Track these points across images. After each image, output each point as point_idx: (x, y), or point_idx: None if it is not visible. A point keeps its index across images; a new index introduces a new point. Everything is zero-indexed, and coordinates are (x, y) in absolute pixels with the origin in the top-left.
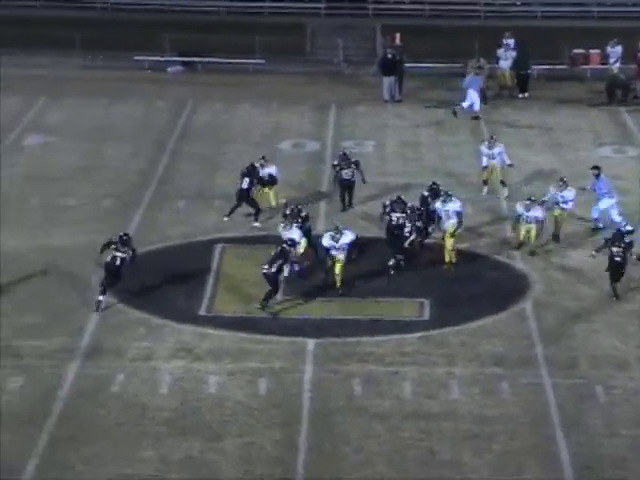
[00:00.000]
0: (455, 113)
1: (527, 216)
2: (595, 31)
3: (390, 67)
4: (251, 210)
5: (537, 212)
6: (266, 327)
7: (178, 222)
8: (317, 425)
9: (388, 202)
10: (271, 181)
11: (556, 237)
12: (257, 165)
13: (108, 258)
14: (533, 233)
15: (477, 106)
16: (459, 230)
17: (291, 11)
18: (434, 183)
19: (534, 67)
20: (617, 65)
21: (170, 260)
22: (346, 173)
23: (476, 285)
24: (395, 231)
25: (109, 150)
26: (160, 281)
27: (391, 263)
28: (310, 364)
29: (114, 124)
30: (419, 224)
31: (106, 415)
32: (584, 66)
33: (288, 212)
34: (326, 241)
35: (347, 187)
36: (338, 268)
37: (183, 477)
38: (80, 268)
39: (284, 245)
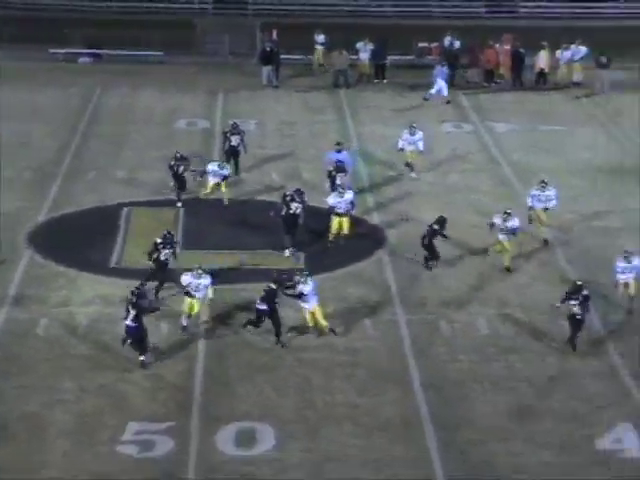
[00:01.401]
0: (426, 99)
1: (505, 227)
2: (435, 28)
3: (268, 58)
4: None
5: (514, 223)
6: (168, 277)
7: (90, 190)
8: (212, 359)
9: (289, 192)
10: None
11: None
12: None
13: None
14: (507, 245)
15: (445, 92)
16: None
17: (184, 11)
18: (336, 165)
19: (389, 57)
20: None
21: (84, 222)
22: (235, 139)
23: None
24: (292, 219)
25: (30, 130)
26: (76, 240)
27: (287, 253)
28: (205, 307)
29: (35, 108)
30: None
31: (33, 353)
32: (428, 56)
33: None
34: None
35: (233, 153)
36: None
37: (99, 402)
38: (8, 230)
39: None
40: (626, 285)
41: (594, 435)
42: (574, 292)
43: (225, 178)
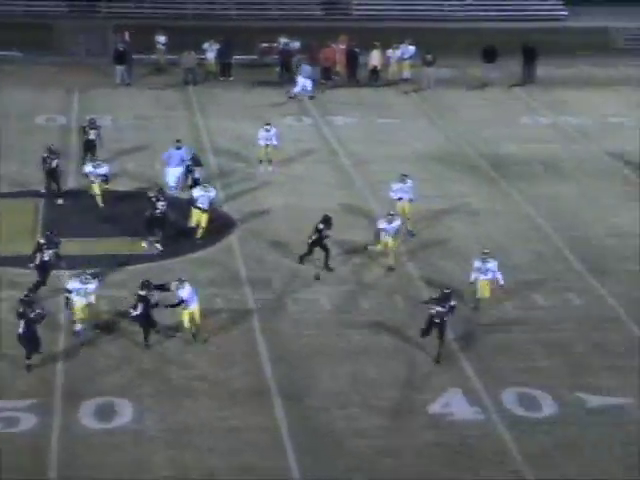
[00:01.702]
0: (292, 97)
1: (389, 228)
2: (276, 29)
3: (121, 58)
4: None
5: (397, 222)
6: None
7: None
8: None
9: (153, 193)
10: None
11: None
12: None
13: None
14: (391, 243)
15: (309, 88)
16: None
17: (41, 13)
18: (193, 156)
19: (234, 57)
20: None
21: None
22: (92, 134)
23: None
24: (160, 218)
25: None
26: None
27: (159, 246)
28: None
29: None
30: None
31: None
32: (269, 56)
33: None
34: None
35: (90, 147)
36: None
37: None
38: None
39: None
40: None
41: (426, 400)
42: (441, 299)
43: (105, 178)
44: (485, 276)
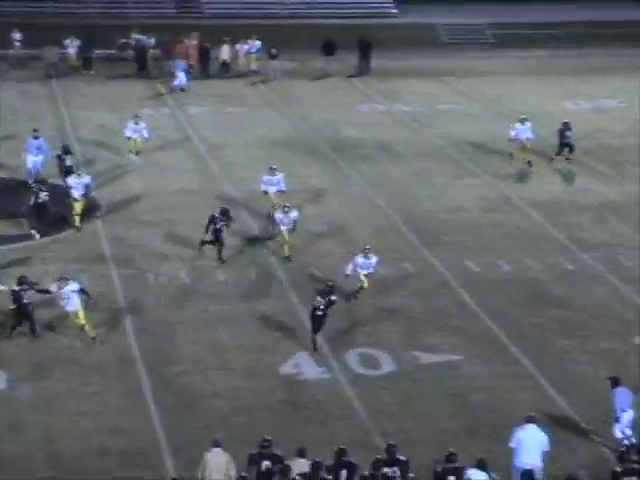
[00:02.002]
0: (172, 90)
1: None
2: (133, 26)
3: None
4: None
5: (295, 215)
6: None
7: None
8: None
9: (34, 184)
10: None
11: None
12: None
13: None
14: (287, 237)
15: (184, 82)
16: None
17: None
18: (63, 145)
19: (95, 52)
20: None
21: None
22: None
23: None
24: (41, 208)
25: None
26: None
27: (34, 233)
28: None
29: None
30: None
31: None
32: (126, 51)
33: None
34: None
35: None
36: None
37: None
38: None
39: None
40: (361, 279)
41: (277, 362)
42: (325, 292)
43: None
44: (366, 270)
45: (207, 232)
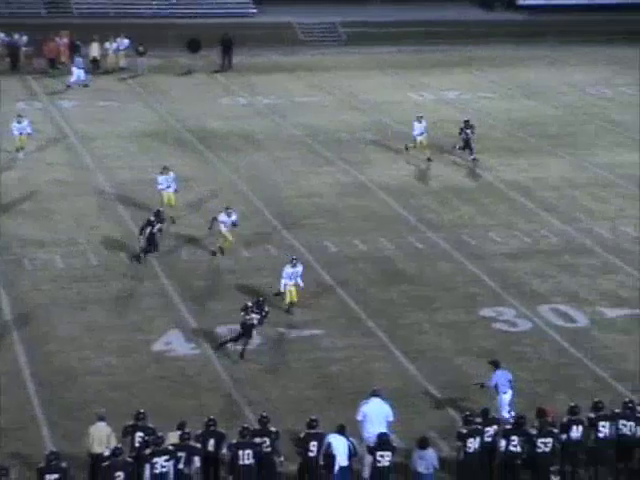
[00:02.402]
0: (69, 86)
1: (227, 221)
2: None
3: None
4: None
5: (235, 216)
6: None
7: None
8: None
9: None
10: None
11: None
12: None
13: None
14: (229, 237)
15: (82, 77)
16: None
17: None
18: None
19: None
20: None
21: None
22: None
23: None
24: None
25: None
26: None
27: None
28: None
29: None
30: None
31: None
32: None
33: None
34: None
35: None
36: None
37: None
38: None
39: None
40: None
41: (150, 340)
42: (256, 307)
43: None
44: (292, 281)
45: (141, 235)
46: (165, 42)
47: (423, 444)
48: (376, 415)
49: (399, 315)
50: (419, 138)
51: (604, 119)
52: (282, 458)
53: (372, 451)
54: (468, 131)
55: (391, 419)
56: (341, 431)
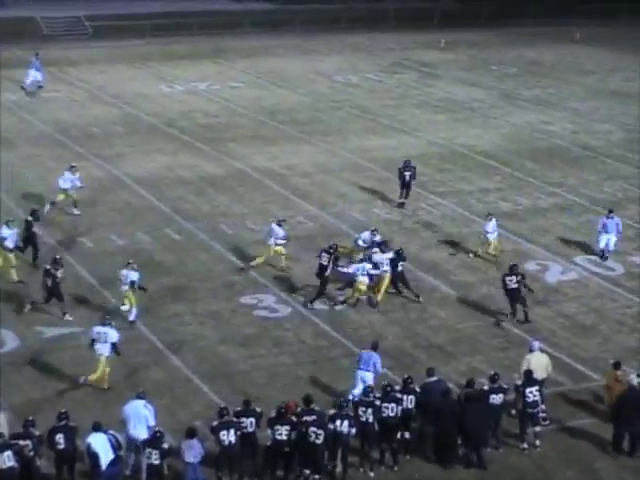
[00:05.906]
0: (23, 88)
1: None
2: None
3: None
4: None
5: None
6: None
7: None
8: None
9: None
10: None
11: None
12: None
13: None
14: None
15: (39, 78)
16: None
17: None
18: None
19: None
20: None
21: None
22: None
23: None
24: None
25: None
26: None
27: None
28: None
29: None
30: None
31: None
32: None
33: None
34: None
35: None
36: None
37: None
38: None
39: None
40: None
41: None
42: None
43: None
44: (127, 286)
45: (43, 289)
46: None
47: (190, 434)
48: (137, 418)
49: (159, 307)
50: (490, 237)
51: (353, 105)
52: None
53: (142, 448)
54: (406, 173)
55: (152, 424)
56: (97, 428)
